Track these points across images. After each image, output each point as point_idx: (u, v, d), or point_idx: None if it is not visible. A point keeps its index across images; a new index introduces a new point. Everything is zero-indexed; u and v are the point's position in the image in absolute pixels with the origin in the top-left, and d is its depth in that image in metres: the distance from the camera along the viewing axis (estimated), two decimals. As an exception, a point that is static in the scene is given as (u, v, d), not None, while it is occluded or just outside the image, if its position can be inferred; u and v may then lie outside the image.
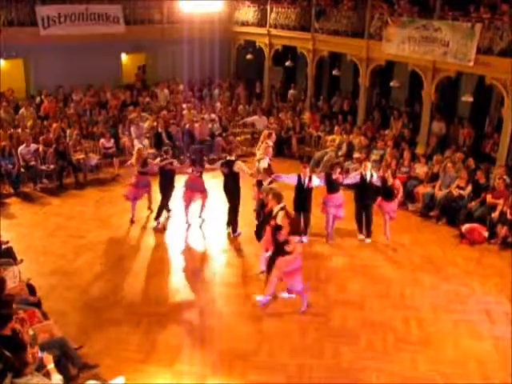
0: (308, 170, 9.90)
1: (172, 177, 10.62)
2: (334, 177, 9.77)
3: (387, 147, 13.03)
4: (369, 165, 10.04)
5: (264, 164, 10.39)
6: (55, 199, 12.07)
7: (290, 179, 9.92)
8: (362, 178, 9.89)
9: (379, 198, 10.05)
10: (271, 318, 7.70)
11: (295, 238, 7.71)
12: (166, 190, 10.63)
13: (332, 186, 9.86)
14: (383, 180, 9.89)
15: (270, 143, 11.27)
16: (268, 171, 9.71)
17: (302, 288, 7.73)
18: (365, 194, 9.95)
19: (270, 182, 9.35)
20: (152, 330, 7.33)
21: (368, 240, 10.14)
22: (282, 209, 7.71)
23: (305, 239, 9.96)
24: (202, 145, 15.04)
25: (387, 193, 9.90)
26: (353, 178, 10.14)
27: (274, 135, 12.04)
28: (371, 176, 9.88)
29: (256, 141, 16.16)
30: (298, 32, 16.45)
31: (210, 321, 7.67)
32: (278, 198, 7.92)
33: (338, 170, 9.89)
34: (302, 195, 9.79)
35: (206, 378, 6.48)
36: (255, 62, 19.20)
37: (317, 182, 9.84)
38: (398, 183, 9.97)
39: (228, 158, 10.24)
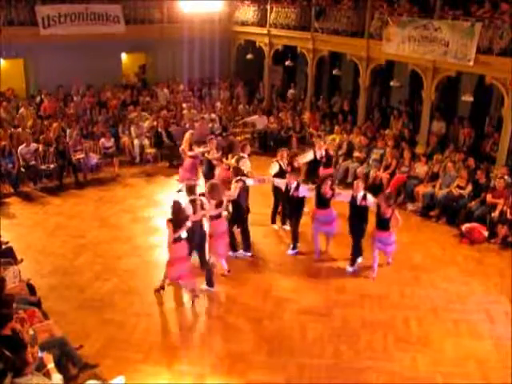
0: (294, 176, 9.28)
1: (212, 166, 11.06)
2: (322, 190, 8.90)
3: (387, 147, 13.03)
4: (361, 185, 8.85)
5: (275, 168, 10.21)
6: (55, 199, 12.06)
7: (279, 184, 9.60)
8: (353, 199, 8.81)
9: (374, 228, 8.79)
10: (271, 318, 7.70)
11: None
12: (207, 177, 11.06)
13: (320, 200, 9.06)
14: (378, 206, 8.53)
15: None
16: (237, 170, 9.29)
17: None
18: (354, 218, 8.90)
19: (238, 181, 8.99)
20: (152, 330, 7.33)
21: (349, 269, 9.05)
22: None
23: (290, 251, 9.59)
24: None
25: (380, 221, 8.57)
26: (344, 196, 9.03)
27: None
28: (364, 198, 8.70)
29: (255, 140, 16.25)
30: (298, 32, 16.45)
31: (209, 321, 7.69)
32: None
33: (329, 183, 8.96)
34: (290, 202, 9.42)
35: (206, 378, 6.48)
36: (255, 61, 19.18)
37: (305, 192, 9.31)
38: (391, 213, 8.44)
39: (241, 154, 10.39)
